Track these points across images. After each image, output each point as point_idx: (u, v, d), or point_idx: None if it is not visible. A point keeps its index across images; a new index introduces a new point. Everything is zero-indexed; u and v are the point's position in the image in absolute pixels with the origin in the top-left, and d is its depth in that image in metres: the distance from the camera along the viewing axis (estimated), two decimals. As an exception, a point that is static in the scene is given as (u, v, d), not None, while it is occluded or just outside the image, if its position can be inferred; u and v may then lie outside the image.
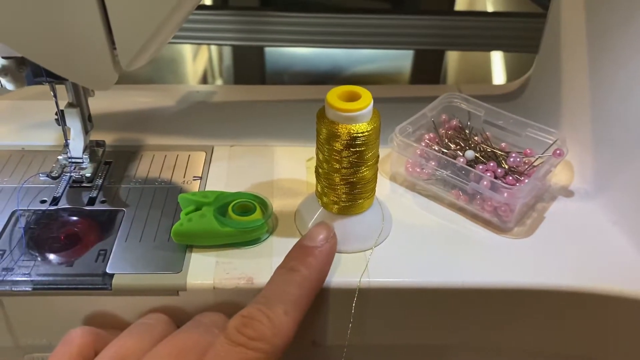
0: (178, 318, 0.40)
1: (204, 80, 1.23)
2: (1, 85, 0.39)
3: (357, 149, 0.38)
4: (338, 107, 0.36)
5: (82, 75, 0.33)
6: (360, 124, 0.37)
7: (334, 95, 0.37)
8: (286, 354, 0.44)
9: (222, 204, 0.41)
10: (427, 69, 1.11)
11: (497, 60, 1.01)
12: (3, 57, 0.37)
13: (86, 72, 0.32)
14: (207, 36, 0.77)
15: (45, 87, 0.59)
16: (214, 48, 1.25)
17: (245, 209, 0.42)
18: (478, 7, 1.11)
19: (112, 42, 0.32)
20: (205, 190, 0.45)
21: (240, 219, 0.40)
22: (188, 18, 0.76)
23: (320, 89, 0.60)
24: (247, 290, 0.38)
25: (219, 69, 1.28)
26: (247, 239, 0.41)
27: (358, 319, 0.41)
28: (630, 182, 0.43)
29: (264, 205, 0.42)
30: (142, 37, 0.32)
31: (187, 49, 1.18)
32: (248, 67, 1.17)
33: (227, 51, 1.22)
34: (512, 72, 0.93)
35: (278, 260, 0.40)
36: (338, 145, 0.38)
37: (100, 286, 0.38)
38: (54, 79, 0.40)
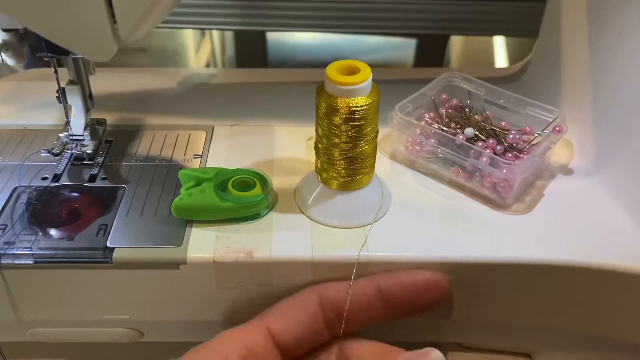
0: (179, 292, 0.40)
1: (206, 71, 1.23)
2: (2, 60, 0.39)
3: (356, 123, 0.38)
4: (337, 80, 0.37)
5: (82, 46, 0.33)
6: (359, 98, 0.37)
7: (333, 69, 0.37)
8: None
9: (222, 179, 0.42)
10: (430, 59, 1.11)
11: (499, 48, 1.01)
12: (4, 30, 0.37)
13: (87, 43, 0.33)
14: (209, 21, 0.78)
15: (45, 70, 0.60)
16: (216, 41, 1.25)
17: (245, 185, 0.42)
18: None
19: (112, 14, 0.32)
20: (206, 166, 0.46)
21: (240, 194, 0.41)
22: (191, 3, 0.76)
23: (320, 72, 0.60)
24: (246, 264, 0.38)
25: (222, 60, 1.28)
26: (247, 214, 0.41)
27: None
28: (629, 159, 0.43)
29: (263, 181, 0.42)
30: (140, 8, 0.33)
31: (189, 41, 1.18)
32: (250, 58, 1.17)
33: (229, 43, 1.22)
34: (515, 59, 0.93)
35: (277, 235, 0.40)
36: (337, 120, 0.38)
37: (101, 260, 0.38)
38: (55, 54, 0.40)
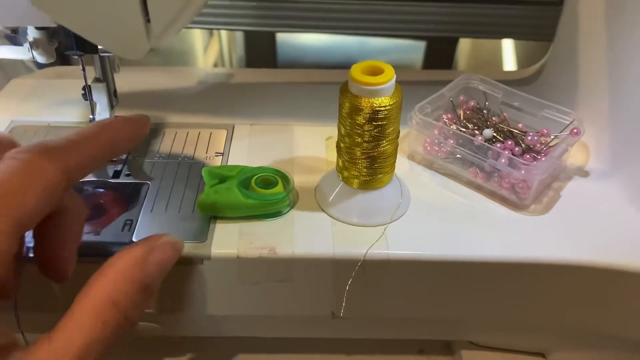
0: (202, 286, 0.41)
1: (215, 72, 1.24)
2: (33, 57, 0.40)
3: (379, 123, 0.38)
4: (361, 80, 0.37)
5: (115, 45, 0.34)
6: (383, 98, 0.38)
7: (358, 69, 0.38)
8: (305, 327, 0.45)
9: (245, 177, 0.42)
10: (439, 62, 1.12)
11: (509, 51, 1.01)
12: (36, 28, 0.38)
13: (120, 42, 0.33)
14: (219, 21, 0.79)
15: (61, 69, 0.61)
16: (224, 41, 1.26)
17: (267, 183, 0.42)
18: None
19: (146, 12, 0.33)
20: (228, 164, 0.46)
21: (263, 192, 0.41)
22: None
23: (337, 72, 0.61)
24: (269, 260, 0.39)
25: (230, 60, 1.29)
26: (269, 211, 0.42)
27: (377, 291, 0.42)
28: (645, 161, 0.44)
29: (285, 179, 0.43)
30: (174, 8, 0.33)
31: (197, 41, 1.19)
32: (259, 59, 1.18)
33: (239, 43, 1.22)
34: (523, 63, 0.94)
35: (299, 232, 0.41)
36: (360, 119, 0.38)
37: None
38: (84, 52, 0.41)
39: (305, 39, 1.27)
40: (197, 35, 1.19)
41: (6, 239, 0.27)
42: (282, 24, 0.80)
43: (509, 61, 1.00)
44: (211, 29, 1.20)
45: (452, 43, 1.08)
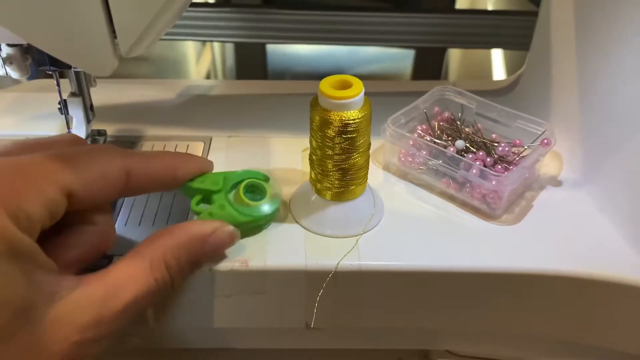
0: (175, 299, 0.41)
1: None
2: (6, 73, 0.40)
3: (349, 136, 0.39)
4: (330, 94, 0.38)
5: (83, 61, 0.34)
6: (352, 111, 0.38)
7: (327, 83, 0.39)
8: (280, 338, 0.46)
9: (231, 185, 0.41)
10: (428, 69, 1.13)
11: (497, 60, 1.02)
12: (8, 45, 0.38)
13: (87, 58, 0.34)
14: (210, 33, 0.79)
15: (47, 82, 0.62)
16: (217, 52, 1.27)
17: (254, 189, 0.41)
18: (479, 6, 1.12)
19: (112, 30, 0.33)
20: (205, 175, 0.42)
21: (255, 204, 0.40)
22: (192, 15, 0.77)
23: (315, 83, 0.61)
24: (242, 272, 0.39)
25: (222, 71, 1.29)
26: (261, 224, 0.41)
27: (351, 302, 0.42)
28: (616, 171, 0.44)
29: (266, 179, 0.42)
30: (140, 25, 0.34)
31: (190, 52, 1.19)
32: (250, 68, 1.19)
33: (230, 54, 1.23)
34: (512, 71, 0.95)
35: (272, 244, 0.41)
36: (330, 132, 0.39)
37: (99, 268, 0.39)
38: (58, 67, 0.41)
39: (295, 48, 1.28)
40: (190, 45, 1.19)
41: None
42: (273, 35, 0.80)
43: (499, 69, 1.01)
44: (203, 41, 1.21)
45: (441, 52, 1.09)
